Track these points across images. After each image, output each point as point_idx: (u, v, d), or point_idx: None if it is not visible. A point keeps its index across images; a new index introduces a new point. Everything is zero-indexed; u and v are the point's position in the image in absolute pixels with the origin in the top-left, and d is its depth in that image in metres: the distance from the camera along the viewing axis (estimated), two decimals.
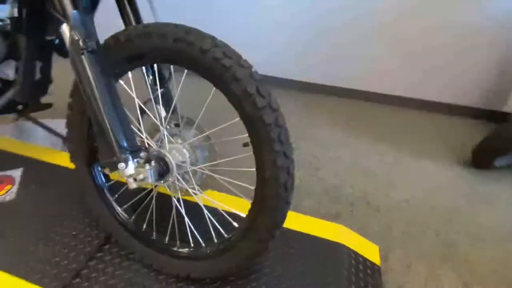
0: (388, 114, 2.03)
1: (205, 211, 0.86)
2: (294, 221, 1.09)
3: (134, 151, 0.72)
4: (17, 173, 1.28)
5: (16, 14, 0.89)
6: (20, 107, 1.25)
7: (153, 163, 0.74)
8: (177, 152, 0.82)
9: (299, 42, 2.17)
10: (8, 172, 1.28)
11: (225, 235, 0.84)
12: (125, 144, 0.70)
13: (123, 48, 0.75)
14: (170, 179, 0.80)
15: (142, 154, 0.74)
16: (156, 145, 0.84)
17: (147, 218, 0.94)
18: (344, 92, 2.19)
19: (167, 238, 0.92)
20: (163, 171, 0.79)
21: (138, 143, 0.77)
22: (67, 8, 0.69)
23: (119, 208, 0.95)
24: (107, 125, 0.70)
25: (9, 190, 1.20)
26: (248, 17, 2.20)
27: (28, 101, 1.19)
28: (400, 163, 1.56)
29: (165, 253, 0.91)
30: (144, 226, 0.95)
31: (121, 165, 0.69)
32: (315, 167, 1.51)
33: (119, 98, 0.73)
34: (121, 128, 0.71)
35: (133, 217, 0.94)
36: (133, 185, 0.72)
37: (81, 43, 0.68)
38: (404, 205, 1.31)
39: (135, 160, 0.71)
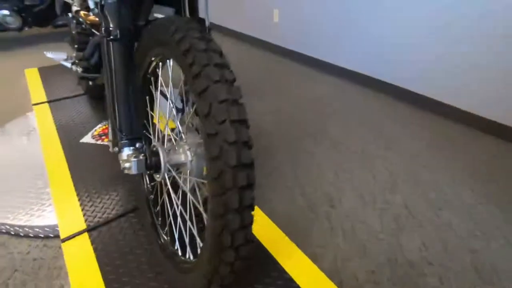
0: None
1: (180, 222, 0.82)
2: None
3: (131, 139, 0.74)
4: None
5: None
6: None
7: (141, 156, 0.73)
8: (174, 153, 0.77)
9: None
10: None
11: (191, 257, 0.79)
12: (125, 131, 0.72)
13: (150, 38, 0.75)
14: (159, 176, 0.77)
15: (138, 144, 0.75)
16: (159, 139, 0.82)
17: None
18: None
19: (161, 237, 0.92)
20: (151, 167, 0.75)
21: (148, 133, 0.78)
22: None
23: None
24: (115, 109, 0.72)
25: None
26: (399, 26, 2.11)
27: None
28: None
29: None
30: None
31: (115, 148, 0.71)
32: None
33: (134, 87, 0.75)
34: (126, 116, 0.73)
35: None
36: (124, 170, 0.74)
37: (104, 30, 0.70)
38: None
39: (131, 148, 0.73)
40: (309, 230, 1.15)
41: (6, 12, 2.78)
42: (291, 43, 2.81)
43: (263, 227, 1.09)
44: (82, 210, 1.12)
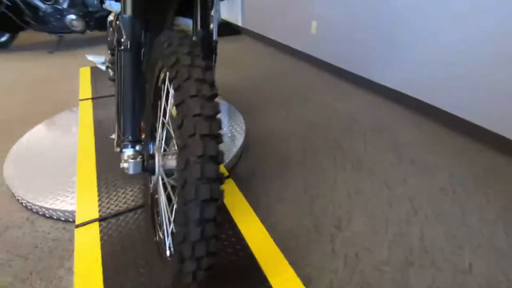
0: None
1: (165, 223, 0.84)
2: None
3: (133, 141, 0.79)
4: None
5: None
6: None
7: (139, 158, 0.78)
8: (169, 159, 0.80)
9: None
10: None
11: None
12: (127, 134, 0.78)
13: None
14: (154, 178, 0.82)
15: (138, 147, 0.80)
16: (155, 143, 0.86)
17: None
18: None
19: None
20: (147, 169, 0.80)
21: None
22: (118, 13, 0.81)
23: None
24: (120, 113, 0.78)
25: None
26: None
27: None
28: None
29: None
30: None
31: (117, 148, 0.77)
32: None
33: (141, 94, 0.81)
34: (130, 120, 0.79)
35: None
36: (124, 170, 0.79)
37: (116, 41, 0.77)
38: None
39: (132, 150, 0.78)
40: (309, 250, 1.12)
41: (73, 16, 3.16)
42: (327, 55, 2.76)
43: (260, 241, 1.08)
44: (99, 200, 1.22)
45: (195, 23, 0.95)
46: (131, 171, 0.79)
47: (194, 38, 0.89)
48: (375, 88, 2.36)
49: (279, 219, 1.25)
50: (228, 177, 1.37)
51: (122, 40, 0.78)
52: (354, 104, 2.22)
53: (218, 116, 0.60)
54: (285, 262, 1.00)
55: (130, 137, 0.82)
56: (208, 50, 0.93)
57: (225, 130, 1.75)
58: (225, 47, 3.66)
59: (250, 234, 1.09)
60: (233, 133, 1.71)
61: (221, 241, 1.07)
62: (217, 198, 0.57)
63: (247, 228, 1.12)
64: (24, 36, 3.65)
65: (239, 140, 1.64)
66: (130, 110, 0.81)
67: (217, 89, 0.62)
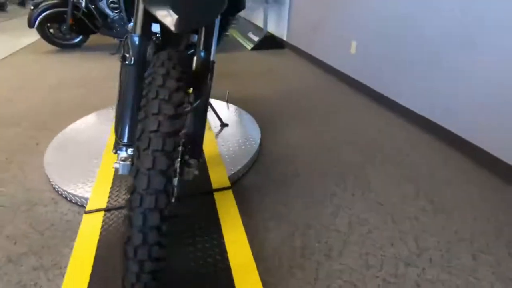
0: None
1: None
2: None
3: (127, 145, 0.87)
4: None
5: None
6: None
7: (128, 160, 0.86)
8: None
9: None
10: None
11: None
12: (121, 138, 0.86)
13: None
14: None
15: (130, 150, 0.88)
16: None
17: None
18: None
19: None
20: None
21: None
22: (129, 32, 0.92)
23: None
24: (118, 119, 0.87)
25: None
26: None
27: None
28: None
29: None
30: None
31: (113, 150, 0.86)
32: None
33: (138, 104, 0.90)
34: (127, 125, 0.87)
35: None
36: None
37: (120, 56, 0.88)
38: None
39: (125, 153, 0.87)
40: (289, 275, 1.10)
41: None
42: (365, 77, 2.66)
43: (241, 256, 1.09)
44: (110, 193, 1.35)
45: (198, 42, 1.02)
46: (120, 172, 0.88)
47: (195, 58, 0.95)
48: (408, 115, 2.21)
49: (269, 236, 1.25)
50: (229, 188, 1.41)
51: (127, 56, 0.88)
52: (382, 128, 2.11)
53: (181, 132, 0.65)
54: (258, 282, 1.00)
55: (124, 141, 0.91)
56: (206, 70, 0.99)
57: (239, 139, 1.80)
58: (266, 60, 3.75)
59: (233, 248, 1.11)
60: (246, 145, 1.75)
61: (205, 249, 1.11)
62: (161, 208, 0.61)
63: (232, 241, 1.14)
64: (93, 38, 4.17)
65: (250, 152, 1.68)
66: (127, 117, 0.91)
67: (183, 109, 0.67)
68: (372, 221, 1.34)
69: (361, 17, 2.64)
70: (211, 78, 0.96)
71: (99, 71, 3.19)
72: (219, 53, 3.90)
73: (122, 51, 0.89)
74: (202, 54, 0.96)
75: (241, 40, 4.65)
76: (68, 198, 1.41)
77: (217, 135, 1.86)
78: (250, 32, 4.66)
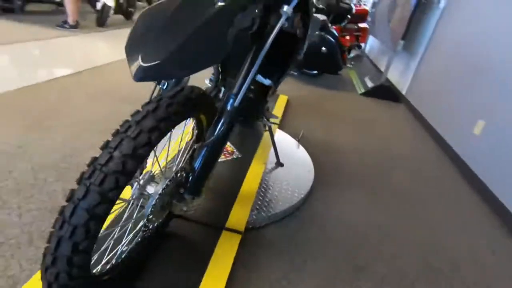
0: None
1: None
2: None
3: None
4: None
5: None
6: None
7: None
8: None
9: None
10: None
11: None
12: None
13: None
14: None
15: None
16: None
17: None
18: None
19: None
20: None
21: None
22: None
23: None
24: None
25: None
26: None
27: None
28: None
29: None
30: None
31: None
32: None
33: None
34: None
35: None
36: None
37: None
38: None
39: None
40: None
41: None
42: (486, 172, 2.02)
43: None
44: None
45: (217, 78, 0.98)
46: None
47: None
48: None
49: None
50: (239, 233, 1.29)
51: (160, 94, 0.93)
52: (499, 257, 1.55)
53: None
54: None
55: None
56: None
57: (284, 186, 1.64)
58: (372, 109, 3.40)
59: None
60: (288, 195, 1.57)
61: (174, 279, 1.03)
62: (76, 241, 0.60)
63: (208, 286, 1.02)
64: None
65: (288, 204, 1.50)
66: None
67: (146, 151, 0.64)
68: None
69: (497, 92, 2.07)
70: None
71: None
72: (321, 87, 3.78)
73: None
74: (231, 100, 0.91)
75: (355, 81, 4.40)
76: None
77: (266, 172, 1.75)
78: (368, 77, 4.35)
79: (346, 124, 2.82)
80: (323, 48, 3.59)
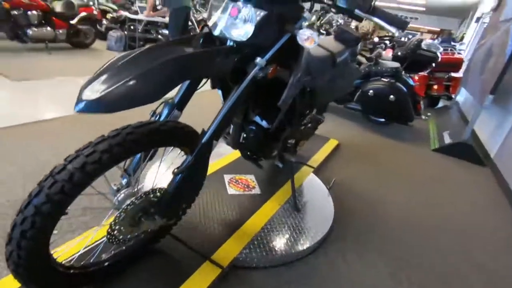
0: None
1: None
2: None
3: (127, 173, 1.04)
4: None
5: None
6: None
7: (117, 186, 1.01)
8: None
9: None
10: None
11: None
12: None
13: None
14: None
15: (125, 179, 1.03)
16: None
17: None
18: None
19: None
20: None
21: None
22: None
23: None
24: None
25: None
26: None
27: None
28: None
29: None
30: None
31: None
32: None
33: None
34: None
35: None
36: None
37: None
38: None
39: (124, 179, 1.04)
40: None
41: None
42: None
43: None
44: None
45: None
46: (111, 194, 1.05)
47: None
48: None
49: None
50: (221, 268, 1.27)
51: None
52: None
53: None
54: None
55: (124, 169, 1.07)
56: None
57: (293, 232, 1.54)
58: (443, 169, 2.94)
59: None
60: (293, 243, 1.48)
61: None
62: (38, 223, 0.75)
63: None
64: None
65: (288, 253, 1.43)
66: None
67: (87, 168, 0.76)
68: None
69: None
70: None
71: None
72: (386, 136, 3.45)
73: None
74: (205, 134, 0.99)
75: (431, 134, 3.91)
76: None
77: (278, 213, 1.69)
78: (448, 131, 3.81)
79: (396, 179, 2.51)
80: (391, 96, 3.38)
